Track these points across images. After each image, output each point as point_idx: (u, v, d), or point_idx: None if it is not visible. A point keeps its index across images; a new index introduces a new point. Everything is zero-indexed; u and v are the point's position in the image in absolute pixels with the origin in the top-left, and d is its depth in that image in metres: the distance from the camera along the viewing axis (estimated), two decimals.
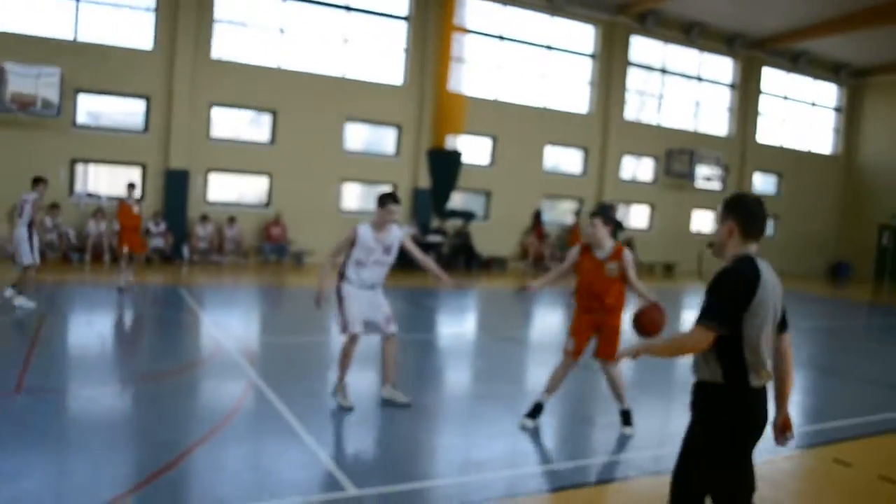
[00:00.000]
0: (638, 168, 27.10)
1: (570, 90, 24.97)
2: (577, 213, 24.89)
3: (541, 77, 24.20)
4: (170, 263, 18.02)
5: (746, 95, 28.52)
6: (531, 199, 23.97)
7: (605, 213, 6.65)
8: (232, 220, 19.19)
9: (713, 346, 3.31)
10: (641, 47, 25.98)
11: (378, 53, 21.66)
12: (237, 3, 19.63)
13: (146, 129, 18.67)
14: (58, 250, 16.85)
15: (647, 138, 26.44)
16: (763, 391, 3.40)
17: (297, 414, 6.48)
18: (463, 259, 21.96)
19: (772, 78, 29.30)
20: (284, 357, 9.24)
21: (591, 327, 6.61)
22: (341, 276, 6.83)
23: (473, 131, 22.32)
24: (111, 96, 18.51)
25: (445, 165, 21.51)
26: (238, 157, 19.84)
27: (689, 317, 15.50)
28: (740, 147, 28.59)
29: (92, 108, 18.57)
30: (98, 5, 17.97)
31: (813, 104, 31.27)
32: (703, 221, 28.81)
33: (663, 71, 26.86)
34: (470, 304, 15.93)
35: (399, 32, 21.90)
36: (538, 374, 9.80)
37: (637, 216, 26.93)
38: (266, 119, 20.38)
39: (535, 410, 6.74)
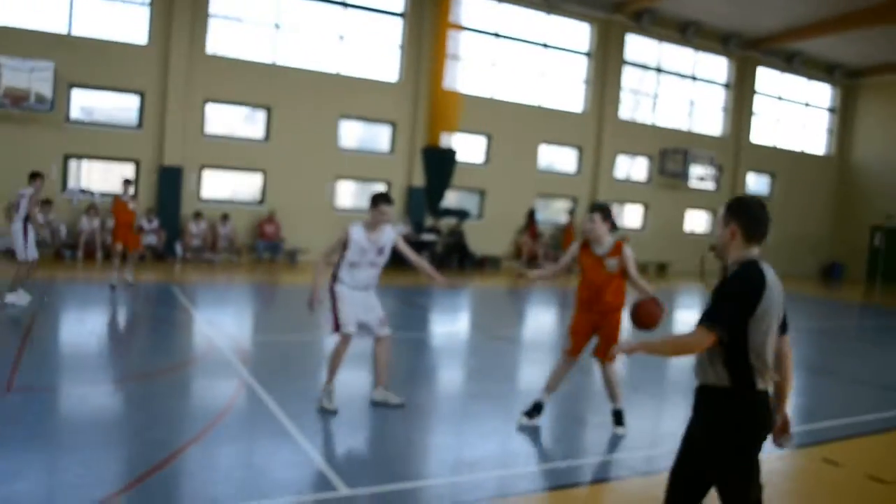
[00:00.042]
0: (632, 167, 27.13)
1: (566, 88, 24.98)
2: (571, 213, 24.92)
3: (536, 75, 24.21)
4: (162, 261, 17.99)
5: (741, 95, 28.59)
6: (525, 197, 23.98)
7: (604, 208, 6.61)
8: (225, 217, 19.15)
9: (719, 350, 3.33)
10: (637, 46, 26.01)
11: (373, 50, 21.63)
12: None
13: (140, 124, 18.62)
14: (50, 247, 16.80)
15: (642, 137, 26.48)
16: (768, 394, 3.43)
17: (290, 413, 6.47)
18: (457, 258, 21.96)
19: (766, 78, 29.38)
20: (277, 356, 9.22)
21: (590, 326, 6.60)
22: (335, 277, 6.78)
23: (468, 129, 22.34)
24: (105, 91, 18.45)
25: (440, 163, 21.53)
26: (232, 154, 19.80)
27: (682, 316, 15.55)
28: (734, 147, 28.65)
29: (85, 104, 18.51)
30: None
31: (807, 104, 31.36)
32: (697, 221, 28.91)
33: (658, 70, 26.91)
34: (463, 303, 15.94)
35: (395, 29, 21.89)
36: (531, 373, 9.83)
37: (631, 215, 26.97)
38: (260, 116, 20.34)
39: (534, 409, 6.74)
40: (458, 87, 21.61)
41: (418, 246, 20.36)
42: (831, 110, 32.22)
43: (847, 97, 31.88)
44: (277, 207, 20.03)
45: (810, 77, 30.58)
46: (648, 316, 5.71)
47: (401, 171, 22.00)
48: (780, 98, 30.26)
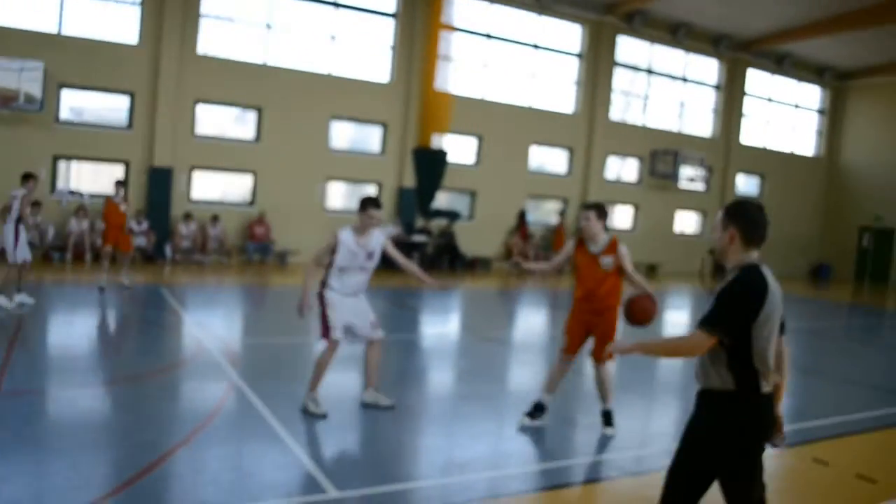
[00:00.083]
0: (622, 168, 27.20)
1: (557, 90, 25.02)
2: (562, 214, 24.96)
3: (527, 76, 24.23)
4: (152, 263, 17.91)
5: (731, 97, 28.69)
6: (516, 199, 24.00)
7: (599, 206, 6.61)
8: (215, 218, 19.08)
9: (721, 354, 3.34)
10: (628, 47, 26.07)
11: (365, 51, 21.61)
12: None
13: (130, 125, 18.54)
14: (38, 248, 16.69)
15: (632, 139, 26.54)
16: (770, 396, 3.44)
17: (279, 416, 6.45)
18: (447, 259, 21.96)
19: (756, 79, 29.49)
20: (267, 358, 9.20)
21: (586, 325, 6.60)
22: (324, 283, 6.72)
23: (459, 130, 22.35)
24: (95, 92, 18.36)
25: (431, 165, 21.52)
26: (222, 155, 19.74)
27: (673, 317, 15.59)
28: (724, 148, 28.75)
29: (75, 104, 18.41)
30: None
31: (796, 106, 31.50)
32: (687, 222, 29.00)
33: (649, 71, 26.97)
34: (454, 305, 15.94)
35: (386, 30, 21.87)
36: (521, 374, 9.85)
37: (621, 216, 27.02)
38: (251, 116, 20.29)
39: (536, 410, 6.74)
40: (449, 88, 21.61)
41: (409, 247, 20.36)
42: (821, 112, 32.38)
43: (836, 99, 32.04)
44: (268, 208, 19.98)
45: (800, 79, 30.72)
46: (643, 312, 5.73)
47: (392, 172, 21.98)
48: (769, 100, 30.39)
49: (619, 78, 26.13)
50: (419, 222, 21.86)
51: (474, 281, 20.28)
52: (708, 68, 28.31)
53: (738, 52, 27.91)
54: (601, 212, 6.54)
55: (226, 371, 8.06)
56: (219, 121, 20.34)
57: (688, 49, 27.13)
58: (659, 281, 23.73)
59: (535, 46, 24.22)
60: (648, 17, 25.23)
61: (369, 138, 22.20)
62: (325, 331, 6.61)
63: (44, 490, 4.69)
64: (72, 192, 17.58)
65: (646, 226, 26.89)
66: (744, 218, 3.45)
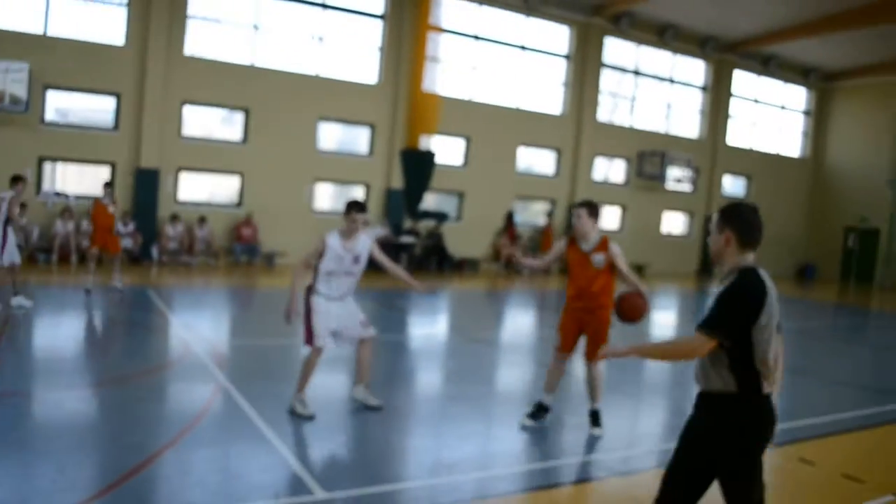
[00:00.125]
0: (610, 169, 27.28)
1: (544, 91, 25.07)
2: (550, 215, 25.01)
3: (515, 78, 24.27)
4: (138, 264, 17.81)
5: (717, 98, 28.83)
6: (504, 200, 24.03)
7: (590, 204, 6.63)
8: (202, 220, 19.01)
9: (722, 356, 3.35)
10: (615, 49, 26.14)
11: (352, 52, 21.58)
12: None
13: (116, 126, 18.44)
14: (24, 250, 16.56)
15: (620, 140, 26.63)
16: (770, 397, 3.46)
17: (266, 417, 6.43)
18: (435, 260, 21.96)
19: (743, 81, 29.65)
20: (254, 360, 9.18)
21: (578, 324, 6.62)
22: (310, 287, 6.70)
23: (447, 132, 22.35)
24: (81, 93, 18.25)
25: (419, 166, 21.52)
26: (210, 157, 19.66)
27: (662, 318, 15.64)
28: (711, 149, 28.88)
29: (61, 105, 18.30)
30: None
31: (782, 107, 31.69)
32: (674, 223, 29.12)
33: (636, 73, 27.07)
34: (442, 306, 15.94)
35: (374, 31, 21.84)
36: (509, 375, 9.87)
37: (609, 217, 27.10)
38: (238, 118, 20.22)
39: (538, 410, 6.76)
40: (437, 90, 21.61)
41: (397, 248, 20.36)
42: (806, 113, 32.59)
43: (822, 100, 32.26)
44: (255, 210, 19.92)
45: (786, 80, 30.92)
46: (633, 309, 5.75)
47: (379, 173, 21.96)
48: (756, 101, 30.57)
49: (607, 79, 26.21)
50: (407, 223, 21.84)
51: (462, 282, 20.29)
52: (694, 70, 28.44)
53: (725, 54, 28.06)
54: (592, 209, 6.55)
55: (213, 373, 8.03)
56: (206, 122, 20.26)
57: (674, 50, 27.25)
58: (646, 281, 23.80)
59: (523, 48, 24.26)
60: (635, 19, 25.33)
61: (357, 139, 22.17)
62: (309, 337, 6.60)
63: (29, 493, 4.65)
64: (57, 194, 17.43)
65: (633, 227, 26.98)
66: (739, 220, 3.46)
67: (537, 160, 25.52)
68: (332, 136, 21.84)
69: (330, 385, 7.80)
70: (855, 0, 22.49)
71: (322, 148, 21.29)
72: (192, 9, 19.03)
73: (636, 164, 26.96)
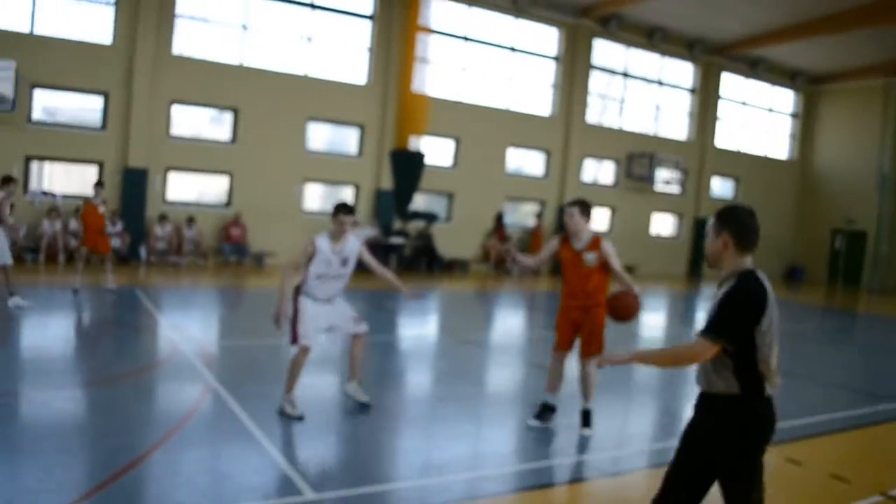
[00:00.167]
0: (599, 171, 27.35)
1: (533, 92, 25.11)
2: (539, 216, 25.05)
3: (504, 79, 24.30)
4: (126, 264, 17.72)
5: (706, 100, 28.96)
6: (493, 201, 24.05)
7: (583, 202, 6.63)
8: (191, 220, 18.92)
9: (726, 360, 3.36)
10: (604, 51, 26.23)
11: (342, 52, 21.55)
12: None
13: (104, 126, 18.33)
14: (11, 250, 16.44)
15: (609, 141, 26.71)
16: (772, 399, 3.47)
17: (255, 417, 6.41)
18: (425, 261, 21.95)
19: (730, 83, 29.81)
20: (243, 360, 9.14)
21: (573, 322, 6.63)
22: (299, 289, 6.68)
23: (436, 132, 22.36)
24: (68, 92, 18.14)
25: (408, 166, 21.52)
26: (198, 156, 19.59)
27: (651, 319, 15.67)
28: (699, 151, 29.01)
29: (48, 104, 18.18)
30: None
31: (770, 110, 31.87)
32: (663, 224, 29.22)
33: (625, 75, 27.15)
34: (432, 307, 15.93)
35: (363, 31, 21.82)
36: (499, 376, 9.87)
37: (598, 219, 27.18)
38: (227, 117, 20.15)
39: (544, 411, 6.77)
40: (426, 91, 21.62)
41: (386, 249, 20.34)
42: (794, 116, 32.79)
43: (809, 103, 32.46)
44: (244, 210, 19.86)
45: (773, 83, 31.10)
46: (625, 308, 5.76)
47: (369, 174, 21.94)
48: (744, 103, 30.74)
49: (596, 81, 26.28)
50: (397, 224, 21.83)
51: (452, 283, 20.28)
52: (683, 72, 28.56)
53: (713, 57, 28.19)
54: (585, 208, 6.56)
55: (201, 373, 7.99)
56: (194, 122, 20.18)
57: (663, 53, 27.36)
58: (636, 282, 23.87)
59: (512, 49, 24.30)
60: (624, 21, 25.41)
61: (346, 140, 22.14)
62: (294, 337, 6.59)
63: (16, 493, 4.61)
64: (44, 193, 17.36)
65: (622, 228, 27.05)
66: (736, 223, 3.46)
67: (527, 161, 25.55)
68: (321, 136, 21.80)
69: (319, 385, 7.78)
70: (842, 4, 22.64)
71: (311, 148, 21.25)
72: (180, 8, 18.95)
73: (625, 165, 27.05)
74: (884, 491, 5.70)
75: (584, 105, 25.78)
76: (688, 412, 7.75)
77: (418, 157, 21.57)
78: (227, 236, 19.59)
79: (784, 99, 32.21)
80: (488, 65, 24.04)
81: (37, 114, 17.70)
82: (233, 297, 15.74)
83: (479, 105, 23.70)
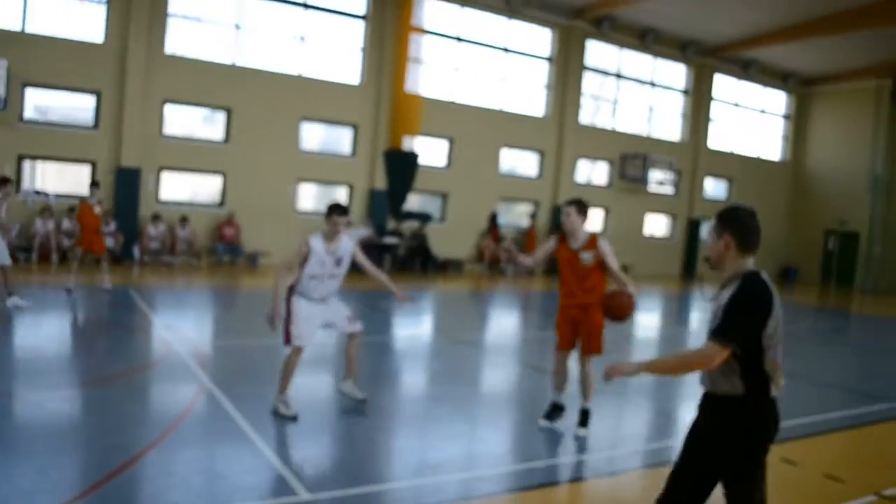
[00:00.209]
0: (593, 172, 27.39)
1: (527, 93, 25.13)
2: (533, 216, 25.07)
3: (498, 79, 24.31)
4: (119, 264, 17.65)
5: (699, 102, 29.04)
6: (487, 201, 24.06)
7: (579, 202, 6.63)
8: (184, 219, 18.87)
9: (733, 363, 3.34)
10: (597, 52, 26.28)
11: (335, 52, 21.53)
12: None
13: (96, 125, 18.27)
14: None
15: (602, 142, 26.76)
16: (776, 400, 3.46)
17: (249, 417, 6.39)
18: (419, 261, 21.94)
19: (723, 85, 29.90)
20: (236, 360, 9.12)
21: (573, 321, 6.64)
22: (292, 289, 6.67)
23: (430, 133, 22.35)
24: (60, 91, 18.06)
25: (402, 167, 21.50)
26: (191, 156, 19.53)
27: (646, 320, 15.68)
28: (692, 152, 29.08)
29: (40, 103, 18.10)
30: None
31: (763, 111, 31.97)
32: (657, 225, 29.29)
33: (618, 76, 27.20)
34: (426, 307, 15.91)
35: (356, 31, 21.80)
36: (494, 376, 9.87)
37: (592, 219, 27.17)
38: (220, 117, 20.10)
39: (553, 411, 6.77)
40: (420, 91, 21.61)
41: (380, 249, 20.32)
42: (786, 117, 32.90)
43: (801, 104, 32.58)
44: (238, 210, 19.82)
45: (766, 84, 31.21)
46: (619, 307, 5.76)
47: (362, 174, 21.91)
48: (736, 105, 30.83)
49: (589, 82, 26.33)
50: (391, 224, 21.81)
51: (446, 283, 20.27)
52: (675, 73, 28.64)
53: (705, 58, 28.27)
54: (581, 207, 6.57)
55: (195, 373, 7.97)
56: (187, 121, 20.13)
57: (656, 54, 27.42)
58: (632, 282, 23.90)
59: (506, 50, 24.32)
60: (616, 23, 25.46)
61: (340, 140, 22.12)
62: (287, 338, 6.58)
63: (10, 493, 4.58)
64: (37, 193, 17.27)
65: (616, 229, 27.09)
66: (738, 224, 3.44)
67: (520, 162, 25.57)
68: (314, 136, 21.78)
69: (313, 385, 7.77)
70: (834, 6, 22.74)
71: (305, 148, 21.22)
72: (172, 7, 18.90)
73: (618, 166, 27.10)
74: (878, 491, 5.72)
75: (577, 106, 25.82)
76: (683, 412, 7.80)
77: (412, 157, 21.56)
78: (221, 236, 19.55)
79: (776, 100, 32.33)
80: (482, 65, 24.05)
81: (29, 113, 17.64)
82: (226, 298, 15.69)
83: (473, 105, 23.70)
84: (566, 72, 25.22)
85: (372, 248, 18.59)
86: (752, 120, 31.67)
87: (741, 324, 3.30)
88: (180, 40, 19.20)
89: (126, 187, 18.38)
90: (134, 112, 18.25)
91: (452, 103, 23.27)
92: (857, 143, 30.18)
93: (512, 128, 24.48)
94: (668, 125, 28.99)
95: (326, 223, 6.61)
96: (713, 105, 29.68)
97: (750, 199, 29.67)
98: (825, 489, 5.80)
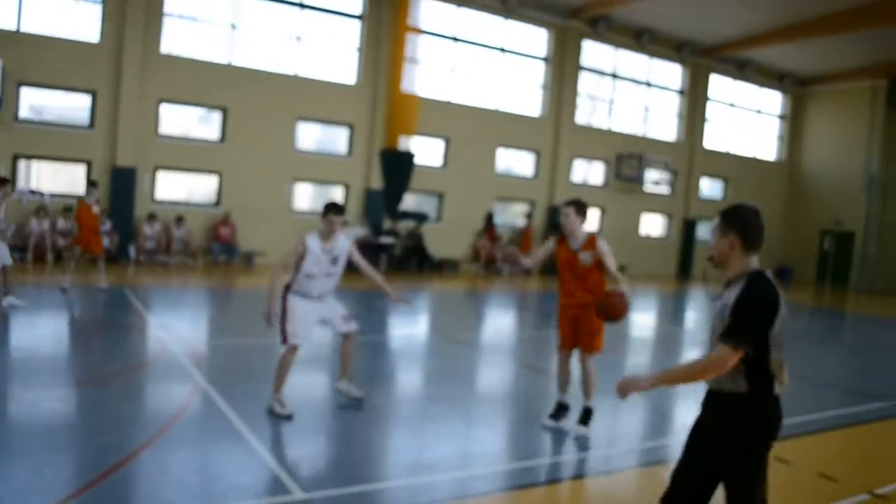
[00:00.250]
0: (589, 171, 27.41)
1: (523, 93, 25.15)
2: (529, 216, 25.08)
3: (494, 79, 24.32)
4: (115, 264, 17.62)
5: (694, 102, 29.08)
6: (483, 201, 24.07)
7: (578, 202, 6.65)
8: (180, 219, 18.85)
9: (741, 365, 3.33)
10: (593, 52, 26.31)
11: (331, 52, 21.52)
12: None
13: (92, 124, 18.24)
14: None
15: (598, 142, 26.78)
16: (779, 398, 3.46)
17: (244, 417, 6.39)
18: (415, 261, 21.94)
19: (719, 85, 29.95)
20: (232, 359, 9.11)
21: (573, 320, 6.65)
22: (289, 287, 6.67)
23: (426, 132, 22.36)
24: (55, 90, 18.03)
25: (398, 166, 21.51)
26: (187, 156, 19.51)
27: (641, 319, 15.70)
28: (688, 152, 29.12)
29: (35, 102, 18.07)
30: None
31: (758, 111, 32.03)
32: (653, 225, 29.32)
33: (614, 76, 27.23)
34: (422, 307, 15.91)
35: (353, 31, 21.79)
36: (489, 376, 9.87)
37: (590, 219, 27.20)
38: (216, 117, 20.08)
39: (559, 410, 6.78)
40: (416, 91, 21.62)
41: (377, 249, 20.31)
42: (782, 117, 32.96)
43: (797, 105, 32.65)
44: (233, 209, 19.80)
45: (761, 85, 31.27)
46: (611, 308, 5.78)
47: (359, 173, 21.91)
48: (732, 105, 30.88)
49: (585, 82, 26.35)
50: (387, 224, 21.82)
51: (442, 282, 20.27)
52: (671, 73, 28.67)
53: (701, 58, 28.32)
54: (580, 208, 6.59)
55: (190, 373, 7.96)
56: (183, 121, 20.10)
57: (651, 54, 27.45)
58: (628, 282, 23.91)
59: (502, 50, 24.32)
60: (613, 23, 25.49)
61: (336, 140, 22.11)
62: (284, 337, 6.58)
63: (5, 493, 4.58)
64: (32, 192, 17.23)
65: (612, 228, 27.10)
66: (742, 223, 3.43)
67: (516, 162, 25.58)
68: (310, 136, 21.77)
69: (308, 384, 7.77)
70: (829, 6, 22.79)
71: (301, 148, 21.21)
72: (168, 6, 18.87)
73: (614, 166, 27.13)
74: (871, 489, 5.73)
75: (573, 106, 25.84)
76: (678, 411, 7.81)
77: (408, 156, 21.57)
78: (217, 236, 19.53)
79: (772, 100, 32.39)
80: (478, 65, 24.05)
81: (24, 112, 17.61)
82: (222, 297, 15.68)
83: (469, 105, 23.71)
84: (562, 72, 25.24)
85: (368, 248, 18.59)
86: (747, 120, 31.73)
87: (752, 324, 3.28)
88: (176, 40, 19.19)
89: (122, 187, 18.36)
90: (129, 111, 18.23)
91: (448, 103, 23.27)
92: (853, 143, 30.25)
93: (508, 128, 24.49)
94: (664, 125, 29.02)
95: (323, 222, 6.62)
96: (709, 105, 29.72)
97: (745, 199, 29.50)
98: (819, 488, 5.81)
